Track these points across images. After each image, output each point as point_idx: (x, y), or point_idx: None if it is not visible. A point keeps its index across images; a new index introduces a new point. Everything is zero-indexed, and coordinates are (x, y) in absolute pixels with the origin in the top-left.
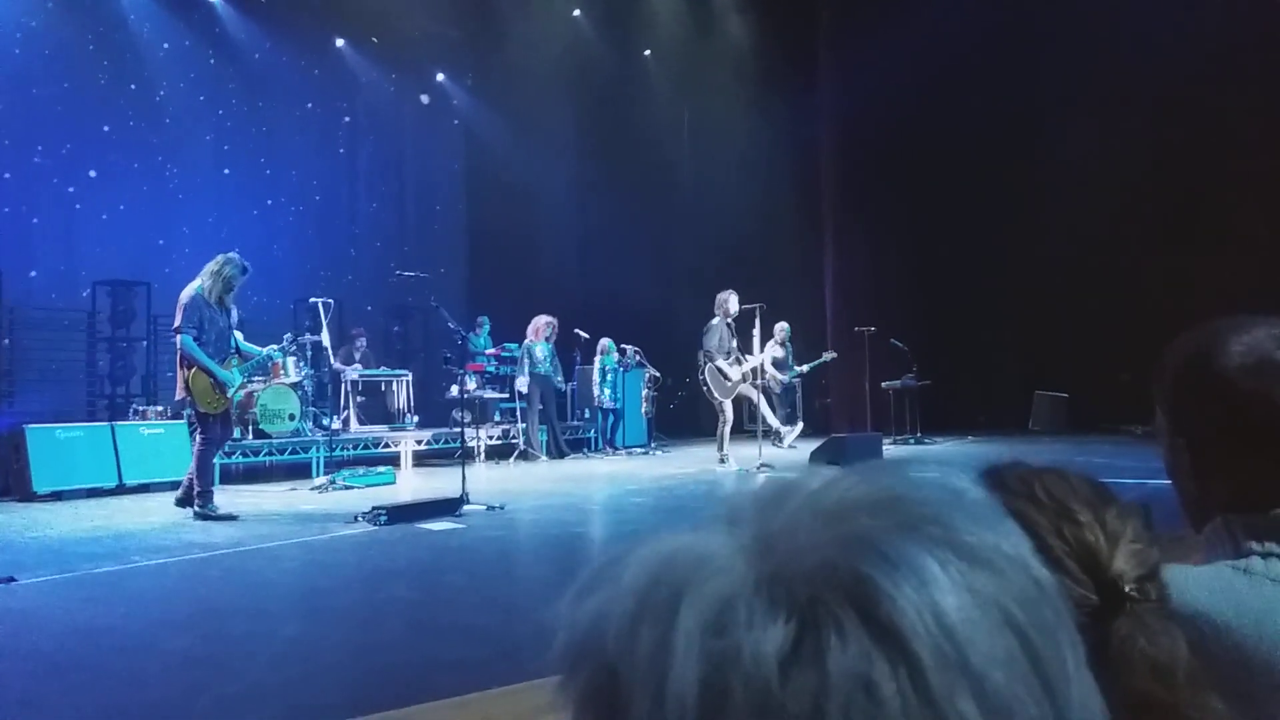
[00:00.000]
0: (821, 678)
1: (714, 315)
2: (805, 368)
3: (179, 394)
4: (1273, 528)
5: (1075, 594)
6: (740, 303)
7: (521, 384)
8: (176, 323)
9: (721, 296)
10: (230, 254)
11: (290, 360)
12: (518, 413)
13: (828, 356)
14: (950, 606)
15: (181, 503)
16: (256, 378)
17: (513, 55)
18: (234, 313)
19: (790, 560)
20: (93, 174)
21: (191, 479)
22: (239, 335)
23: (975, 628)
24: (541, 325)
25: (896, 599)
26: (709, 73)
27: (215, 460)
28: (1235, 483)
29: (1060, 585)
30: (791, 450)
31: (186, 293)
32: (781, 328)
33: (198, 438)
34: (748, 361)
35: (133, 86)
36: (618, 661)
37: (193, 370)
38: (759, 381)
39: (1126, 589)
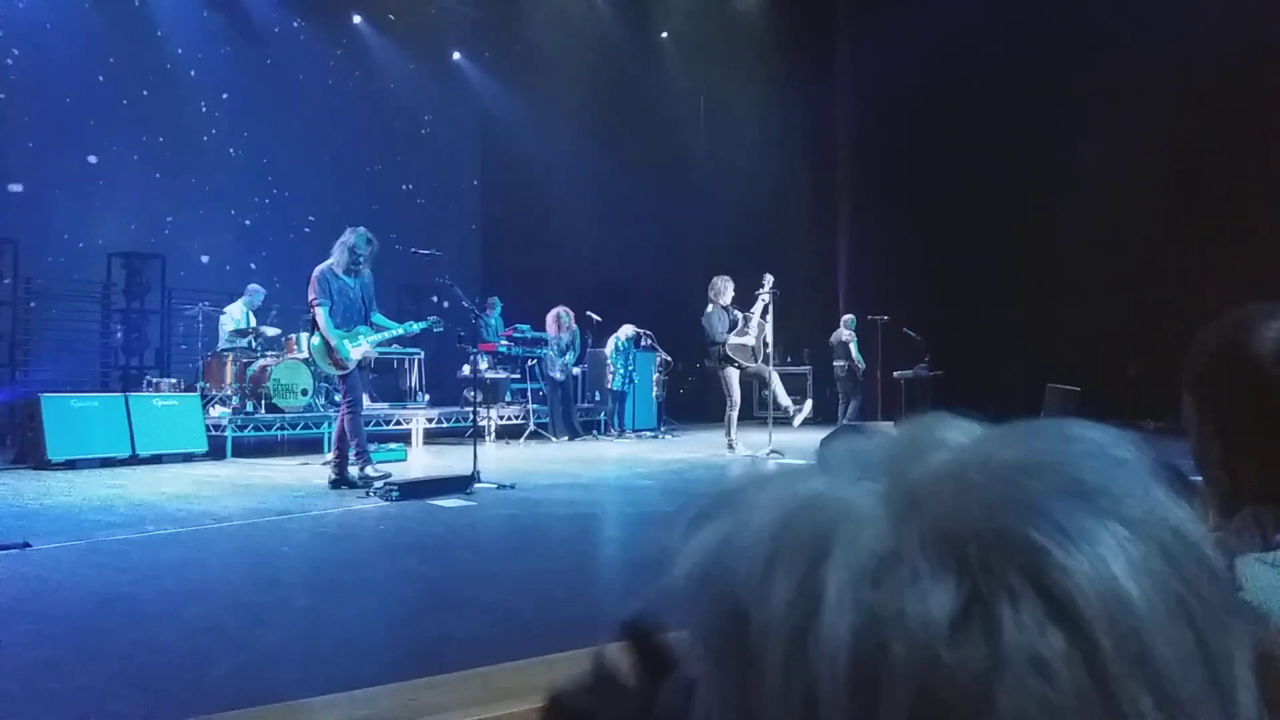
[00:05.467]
0: (993, 651)
1: (709, 304)
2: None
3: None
4: None
5: None
6: (753, 287)
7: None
8: (310, 297)
9: (721, 284)
10: (357, 227)
11: (304, 335)
12: (529, 394)
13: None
14: (1133, 592)
15: (336, 484)
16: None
17: (529, 35)
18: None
19: (952, 519)
20: (113, 148)
21: (340, 458)
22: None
23: (1157, 617)
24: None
25: (1075, 576)
26: (726, 56)
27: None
28: (1267, 471)
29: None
30: (799, 432)
31: (317, 269)
32: (849, 318)
33: (345, 402)
34: (750, 328)
35: (152, 61)
36: (750, 604)
37: (314, 335)
38: (767, 351)
39: None
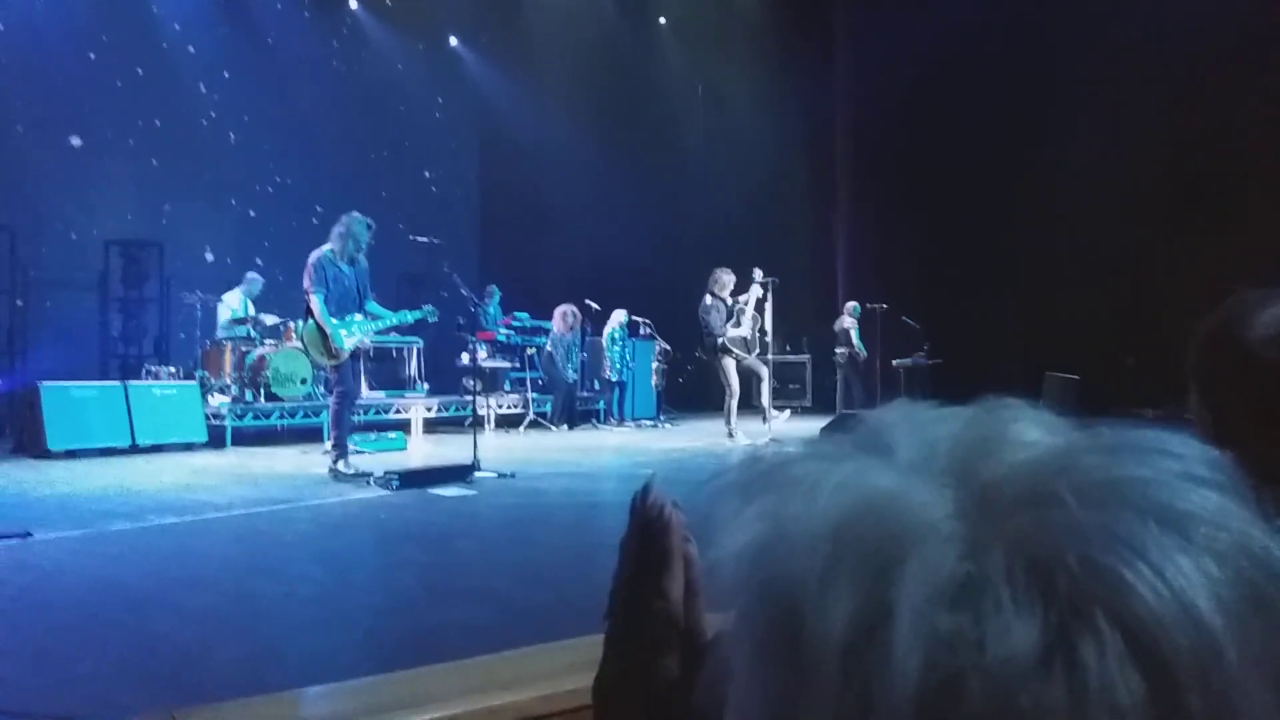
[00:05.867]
0: (1074, 697)
1: (708, 295)
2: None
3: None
4: None
5: None
6: (752, 277)
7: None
8: (305, 284)
9: (726, 278)
10: (352, 213)
11: (302, 323)
12: (528, 382)
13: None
14: (1226, 647)
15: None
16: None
17: (527, 20)
18: (364, 268)
19: (1039, 544)
20: (106, 132)
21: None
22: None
23: (1245, 673)
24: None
25: (1169, 627)
26: (724, 42)
27: (349, 417)
28: (1258, 455)
29: None
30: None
31: (314, 255)
32: (853, 305)
33: (334, 391)
34: (745, 320)
35: (147, 46)
36: (806, 606)
37: (310, 322)
38: (763, 350)
39: None
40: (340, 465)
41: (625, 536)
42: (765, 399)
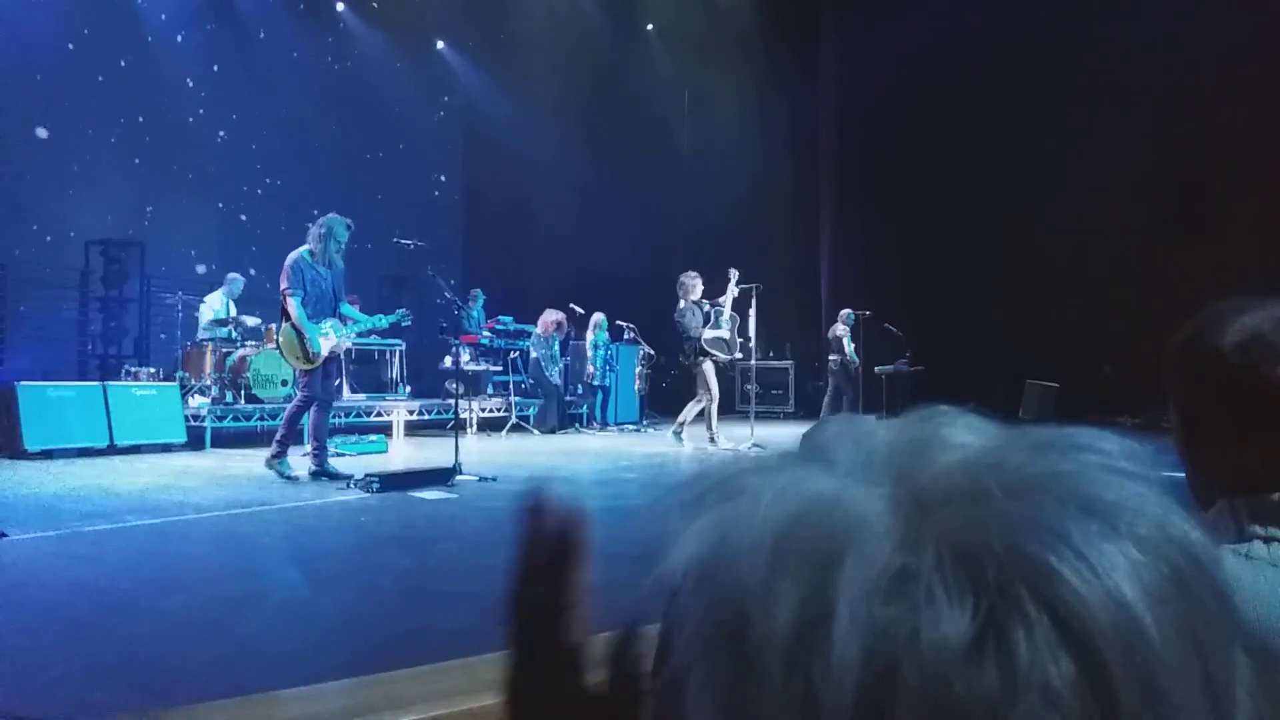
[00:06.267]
0: (1006, 679)
1: (680, 300)
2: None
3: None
4: (1277, 511)
5: None
6: (728, 278)
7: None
8: (283, 285)
9: (691, 281)
10: (330, 215)
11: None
12: (510, 386)
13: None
14: (1147, 621)
15: (316, 474)
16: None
17: (514, 24)
18: (339, 270)
19: (968, 536)
20: (88, 130)
21: (319, 449)
22: (354, 306)
23: (1168, 645)
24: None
25: (1091, 605)
26: (711, 49)
27: (318, 421)
28: (1227, 462)
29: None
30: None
31: (291, 256)
32: (846, 313)
33: (300, 394)
34: (724, 321)
35: (131, 38)
36: (751, 608)
37: (286, 324)
38: (746, 355)
39: None
40: (276, 464)
41: (528, 534)
42: (685, 412)
